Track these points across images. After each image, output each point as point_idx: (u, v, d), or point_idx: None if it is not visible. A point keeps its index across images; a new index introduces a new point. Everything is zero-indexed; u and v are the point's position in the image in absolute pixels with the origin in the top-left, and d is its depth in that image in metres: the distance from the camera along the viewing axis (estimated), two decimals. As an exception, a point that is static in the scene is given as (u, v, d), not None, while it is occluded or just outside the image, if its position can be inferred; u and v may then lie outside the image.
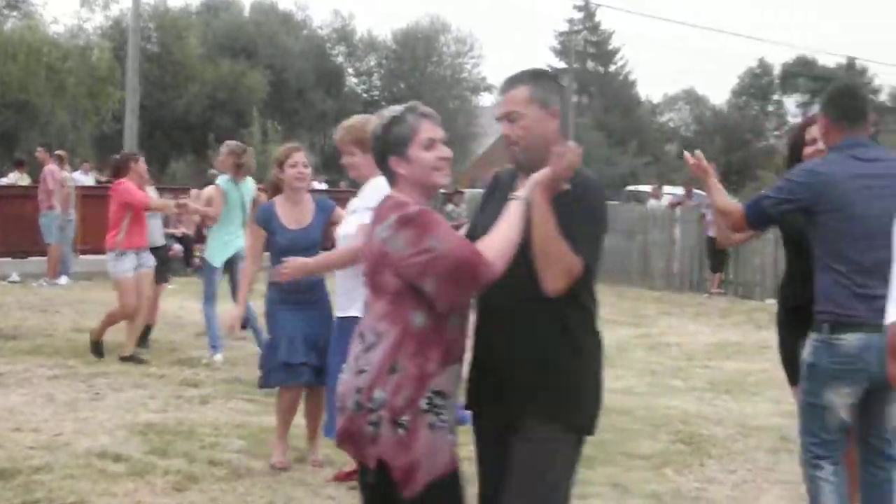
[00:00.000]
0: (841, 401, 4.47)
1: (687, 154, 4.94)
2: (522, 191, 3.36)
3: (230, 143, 9.96)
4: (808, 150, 4.93)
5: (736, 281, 18.60)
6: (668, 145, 65.57)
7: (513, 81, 3.52)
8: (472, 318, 3.52)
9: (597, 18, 64.07)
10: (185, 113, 39.58)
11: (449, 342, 3.33)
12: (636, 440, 7.26)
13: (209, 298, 9.86)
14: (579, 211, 3.38)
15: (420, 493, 3.25)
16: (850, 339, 4.38)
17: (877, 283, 4.27)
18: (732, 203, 4.75)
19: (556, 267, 3.31)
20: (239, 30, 45.00)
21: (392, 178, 3.45)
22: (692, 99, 71.31)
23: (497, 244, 3.26)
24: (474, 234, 3.44)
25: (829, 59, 64.41)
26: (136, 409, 7.66)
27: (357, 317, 3.82)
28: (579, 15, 61.22)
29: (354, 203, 5.55)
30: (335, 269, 5.61)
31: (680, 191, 22.99)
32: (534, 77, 3.52)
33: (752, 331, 13.49)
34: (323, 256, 5.80)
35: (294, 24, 48.58)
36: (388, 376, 3.27)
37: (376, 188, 5.14)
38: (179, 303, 13.36)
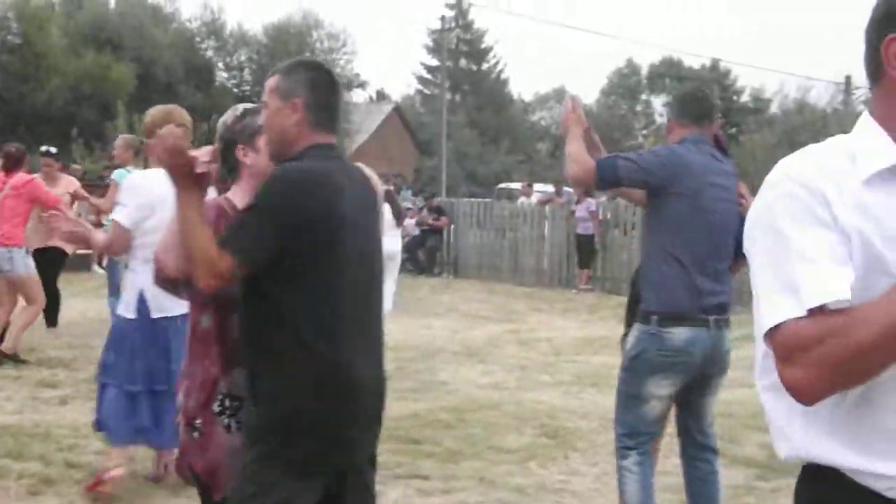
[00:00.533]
0: (661, 393, 4.57)
1: (566, 100, 4.80)
2: None
3: (126, 136, 9.76)
4: None
5: (603, 277, 18.92)
6: (539, 143, 66.47)
7: (273, 70, 3.34)
8: None
9: (470, 17, 64.49)
10: (47, 106, 38.41)
11: (234, 343, 3.21)
12: (503, 434, 7.31)
13: (114, 292, 9.67)
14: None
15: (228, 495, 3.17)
16: (678, 333, 4.48)
17: (706, 279, 4.43)
18: (585, 155, 4.56)
19: (197, 261, 2.96)
20: (104, 21, 43.84)
21: (234, 169, 3.42)
22: (562, 98, 72.35)
23: (162, 240, 3.29)
24: None
25: (694, 60, 66.03)
26: (-10, 411, 7.40)
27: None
28: (452, 13, 61.49)
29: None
30: None
31: (550, 188, 23.34)
32: (290, 68, 3.29)
33: (619, 326, 13.52)
34: None
35: (162, 16, 47.57)
36: (182, 381, 3.36)
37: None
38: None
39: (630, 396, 4.65)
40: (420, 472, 6.17)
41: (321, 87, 3.24)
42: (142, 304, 5.30)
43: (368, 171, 3.58)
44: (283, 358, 3.05)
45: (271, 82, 3.26)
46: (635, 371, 4.60)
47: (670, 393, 4.60)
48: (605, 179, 4.55)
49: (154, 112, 5.55)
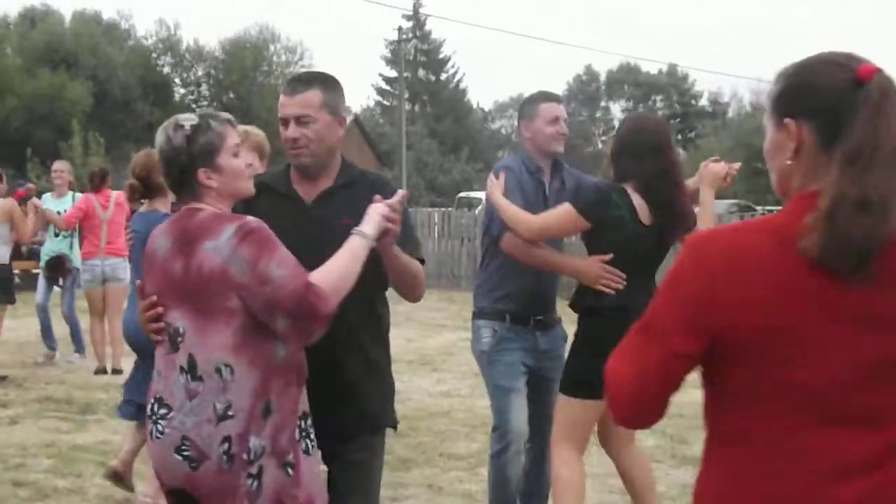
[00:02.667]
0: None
1: (490, 179, 4.95)
2: (366, 227, 3.10)
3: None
4: None
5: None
6: (499, 152, 66.62)
7: (303, 83, 3.42)
8: None
9: (427, 27, 64.63)
10: (2, 127, 38.15)
11: (301, 360, 3.10)
12: (454, 441, 7.35)
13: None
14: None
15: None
16: None
17: None
18: (522, 213, 4.79)
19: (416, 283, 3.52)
20: (59, 40, 43.61)
21: (196, 193, 3.08)
22: (518, 106, 72.69)
23: (335, 278, 2.96)
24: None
25: (652, 66, 66.52)
26: (-61, 433, 7.36)
27: None
28: (409, 24, 61.61)
29: None
30: None
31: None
32: (324, 82, 3.44)
33: (575, 330, 13.77)
34: None
35: (118, 33, 47.41)
36: (262, 420, 2.95)
37: None
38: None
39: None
40: (369, 481, 6.19)
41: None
42: None
43: None
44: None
45: (316, 98, 3.38)
46: None
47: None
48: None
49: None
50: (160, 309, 3.04)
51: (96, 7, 47.77)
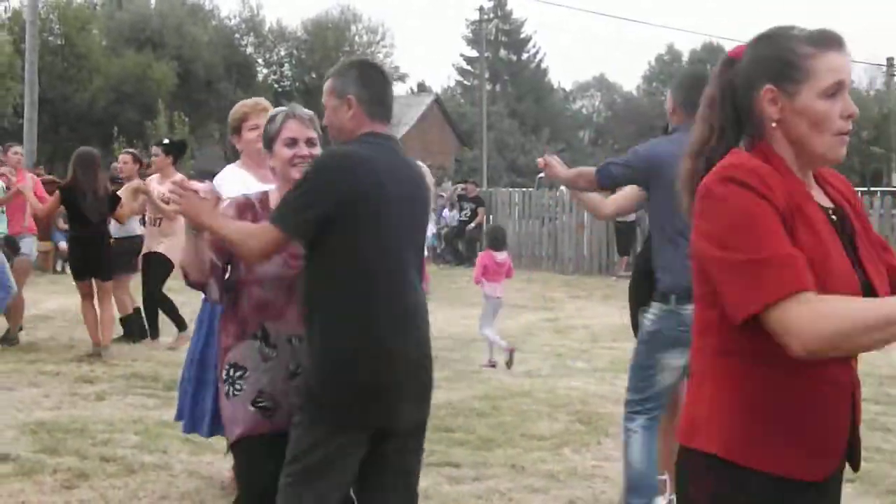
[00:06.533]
0: (676, 364, 4.81)
1: (539, 160, 5.28)
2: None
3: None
4: None
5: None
6: (580, 132, 66.22)
7: (327, 74, 3.66)
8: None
9: (508, 7, 64.32)
10: (89, 106, 38.84)
11: (242, 318, 3.61)
12: (535, 421, 7.29)
13: None
14: None
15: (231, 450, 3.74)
16: (692, 310, 4.56)
17: None
18: (580, 169, 5.17)
19: (240, 245, 3.41)
20: (144, 21, 44.21)
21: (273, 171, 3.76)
22: (603, 86, 72.03)
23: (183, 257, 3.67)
24: None
25: (735, 45, 65.39)
26: (29, 407, 7.48)
27: None
28: (490, 3, 61.34)
29: None
30: None
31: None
32: (341, 69, 3.60)
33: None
34: None
35: (202, 14, 47.88)
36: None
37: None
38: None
39: (645, 367, 4.93)
40: (452, 460, 6.17)
41: (371, 81, 3.53)
42: None
43: (424, 169, 3.90)
44: (327, 322, 3.35)
45: (327, 85, 3.56)
46: (653, 345, 4.88)
47: (684, 364, 4.76)
48: (607, 183, 5.08)
49: (236, 109, 5.32)
50: None
51: (181, -12, 48.18)
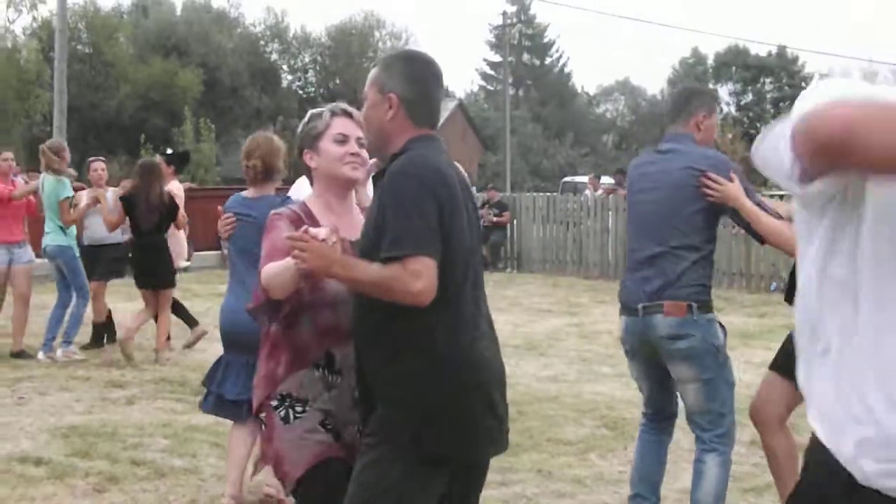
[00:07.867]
0: (634, 375, 5.07)
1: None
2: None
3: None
4: None
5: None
6: (604, 136, 66.08)
7: (376, 61, 3.39)
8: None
9: (531, 11, 64.35)
10: (117, 114, 39.16)
11: (302, 344, 3.31)
12: (562, 426, 7.31)
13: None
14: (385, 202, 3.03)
15: (295, 486, 3.32)
16: (621, 322, 4.94)
17: (634, 269, 4.85)
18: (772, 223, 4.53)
19: (390, 289, 2.97)
20: (170, 29, 44.59)
21: (308, 173, 3.54)
22: (627, 90, 71.89)
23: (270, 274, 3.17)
24: None
25: (760, 48, 65.08)
26: (61, 412, 7.59)
27: None
28: (513, 8, 61.39)
29: None
30: None
31: (611, 180, 23.25)
32: (389, 61, 3.28)
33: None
34: None
35: (227, 21, 48.21)
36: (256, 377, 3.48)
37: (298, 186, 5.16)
38: (111, 304, 13.18)
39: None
40: (478, 465, 6.20)
41: (419, 80, 3.18)
42: None
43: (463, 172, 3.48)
44: (409, 352, 3.01)
45: (371, 74, 3.22)
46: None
47: (637, 375, 5.00)
48: None
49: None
50: None
51: (206, -4, 48.60)
